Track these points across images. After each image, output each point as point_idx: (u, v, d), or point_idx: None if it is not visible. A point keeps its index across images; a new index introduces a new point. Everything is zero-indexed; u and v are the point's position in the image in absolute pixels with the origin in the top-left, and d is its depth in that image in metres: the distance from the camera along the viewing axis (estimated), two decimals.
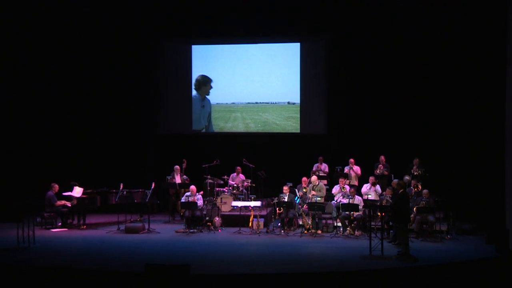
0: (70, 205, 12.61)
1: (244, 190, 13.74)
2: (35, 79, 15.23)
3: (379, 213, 11.05)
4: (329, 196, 12.85)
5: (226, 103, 16.19)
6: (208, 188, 13.72)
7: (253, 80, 15.99)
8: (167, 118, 16.35)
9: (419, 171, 13.19)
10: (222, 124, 16.22)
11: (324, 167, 14.15)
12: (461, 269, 8.95)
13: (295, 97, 15.90)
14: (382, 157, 13.73)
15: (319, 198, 12.29)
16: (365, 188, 12.69)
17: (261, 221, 12.21)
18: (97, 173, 14.86)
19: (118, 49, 15.62)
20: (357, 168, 13.75)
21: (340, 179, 12.69)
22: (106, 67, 15.63)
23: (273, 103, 16.11)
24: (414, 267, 8.97)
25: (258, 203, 12.33)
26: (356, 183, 13.50)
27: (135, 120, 16.02)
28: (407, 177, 12.92)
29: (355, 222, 11.67)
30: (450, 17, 13.89)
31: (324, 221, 12.17)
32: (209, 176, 13.87)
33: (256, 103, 16.15)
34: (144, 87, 15.99)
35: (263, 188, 14.14)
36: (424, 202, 11.39)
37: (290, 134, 15.95)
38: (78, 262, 9.21)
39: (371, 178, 12.75)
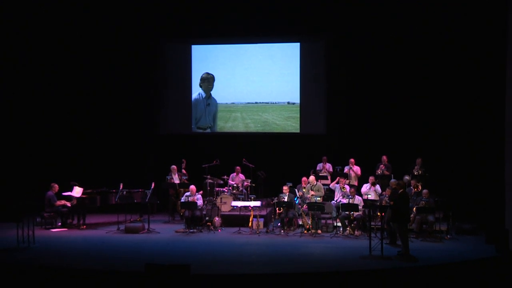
0: (70, 205, 12.61)
1: (244, 190, 13.74)
2: (35, 79, 15.25)
3: (379, 213, 11.08)
4: (329, 196, 12.86)
5: (226, 103, 16.19)
6: (208, 188, 13.73)
7: (253, 80, 15.98)
8: (167, 118, 16.35)
9: (420, 171, 13.19)
10: (222, 124, 16.21)
11: (329, 166, 14.17)
12: (461, 269, 8.95)
13: (295, 97, 15.90)
14: (384, 157, 13.71)
15: (319, 198, 12.30)
16: (365, 188, 12.69)
17: (261, 221, 12.21)
18: (97, 173, 14.86)
19: (118, 49, 15.62)
20: (357, 168, 13.75)
21: (340, 179, 12.71)
22: (106, 67, 15.63)
23: (273, 103, 16.10)
24: (414, 267, 8.97)
25: (258, 203, 12.32)
26: (356, 183, 13.50)
27: (135, 120, 16.02)
28: (406, 177, 12.91)
29: (355, 222, 11.67)
30: (450, 17, 13.90)
31: (324, 221, 12.17)
32: (209, 176, 13.88)
33: (256, 103, 16.15)
34: (144, 87, 15.99)
35: (263, 188, 14.13)
36: (424, 202, 11.39)
37: (290, 134, 15.95)
38: (78, 262, 9.20)
39: (371, 178, 12.74)
